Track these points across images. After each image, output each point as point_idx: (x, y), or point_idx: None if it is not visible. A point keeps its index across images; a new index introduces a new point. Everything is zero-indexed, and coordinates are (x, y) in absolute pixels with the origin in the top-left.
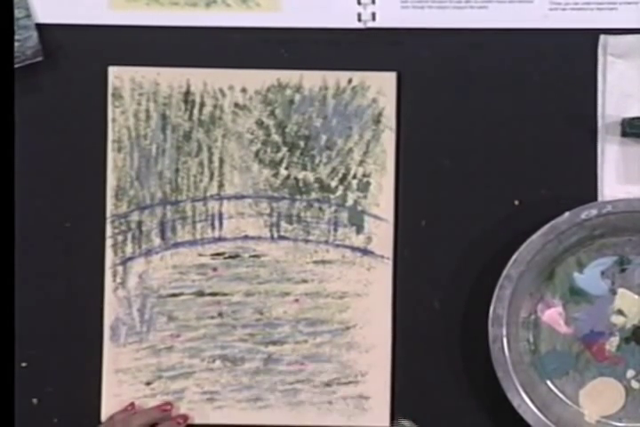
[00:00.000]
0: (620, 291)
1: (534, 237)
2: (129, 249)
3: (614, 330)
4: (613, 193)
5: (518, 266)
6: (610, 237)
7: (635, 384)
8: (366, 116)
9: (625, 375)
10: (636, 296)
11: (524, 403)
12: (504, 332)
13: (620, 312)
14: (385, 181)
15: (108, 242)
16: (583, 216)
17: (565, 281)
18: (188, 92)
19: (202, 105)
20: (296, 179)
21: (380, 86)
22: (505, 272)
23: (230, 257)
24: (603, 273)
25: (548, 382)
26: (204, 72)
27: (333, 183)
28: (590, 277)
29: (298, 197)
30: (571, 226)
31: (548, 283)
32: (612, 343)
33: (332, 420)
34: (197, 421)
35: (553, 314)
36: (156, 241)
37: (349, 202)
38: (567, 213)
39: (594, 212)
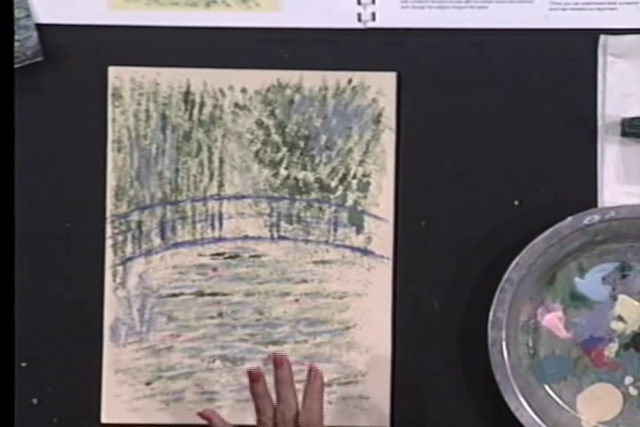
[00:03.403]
0: (621, 297)
1: (536, 241)
2: (129, 249)
3: (613, 336)
4: (613, 193)
5: (520, 270)
6: (612, 242)
7: (632, 391)
8: (366, 116)
9: (623, 382)
10: (637, 303)
11: (521, 407)
12: (503, 335)
13: (620, 318)
14: (385, 181)
15: (108, 242)
16: (586, 221)
17: (566, 286)
18: (187, 92)
19: (202, 105)
20: (296, 179)
21: (380, 86)
22: (506, 276)
23: (230, 257)
24: (604, 279)
25: (546, 387)
26: (203, 72)
27: (333, 183)
28: (591, 283)
29: (298, 197)
30: (573, 231)
31: (548, 287)
32: (611, 349)
33: (332, 420)
34: (197, 421)
35: (553, 318)
36: (156, 241)
37: (349, 202)
38: (570, 218)
39: (596, 217)
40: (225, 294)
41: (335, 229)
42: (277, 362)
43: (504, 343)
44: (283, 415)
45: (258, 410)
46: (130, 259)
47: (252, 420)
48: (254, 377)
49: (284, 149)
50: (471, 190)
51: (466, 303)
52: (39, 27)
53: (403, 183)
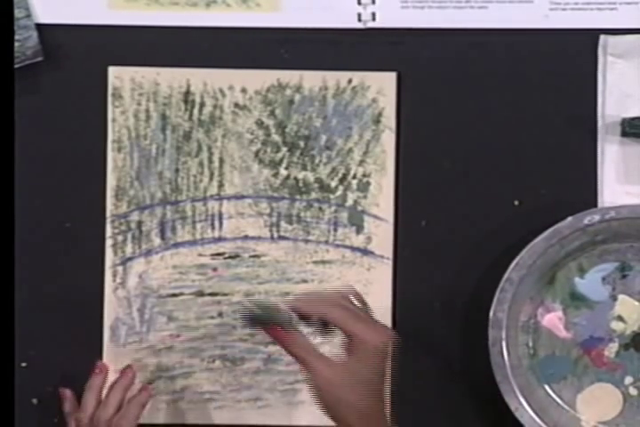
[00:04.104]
0: (621, 297)
1: (536, 241)
2: (129, 249)
3: (613, 336)
4: (613, 193)
5: (520, 270)
6: (612, 242)
7: (632, 391)
8: (366, 117)
9: (623, 382)
10: (637, 303)
11: (521, 407)
12: (503, 335)
13: (620, 318)
14: (385, 181)
15: (108, 242)
16: (586, 221)
17: (566, 286)
18: (188, 92)
19: (202, 105)
20: (296, 179)
21: (380, 86)
22: (506, 276)
23: (230, 257)
24: (604, 279)
25: (546, 387)
26: (203, 72)
27: (333, 183)
28: (591, 283)
29: (298, 197)
30: (573, 231)
31: (548, 287)
32: (611, 349)
33: None
34: (197, 421)
35: (553, 318)
36: (156, 241)
37: (349, 202)
38: (570, 218)
39: (596, 217)
40: (225, 294)
41: (335, 229)
42: (125, 371)
43: (504, 343)
44: (98, 417)
45: (82, 403)
46: (130, 259)
47: (252, 420)
48: (100, 369)
49: (284, 149)
50: (471, 190)
51: (466, 303)
52: (39, 27)
53: (403, 183)
